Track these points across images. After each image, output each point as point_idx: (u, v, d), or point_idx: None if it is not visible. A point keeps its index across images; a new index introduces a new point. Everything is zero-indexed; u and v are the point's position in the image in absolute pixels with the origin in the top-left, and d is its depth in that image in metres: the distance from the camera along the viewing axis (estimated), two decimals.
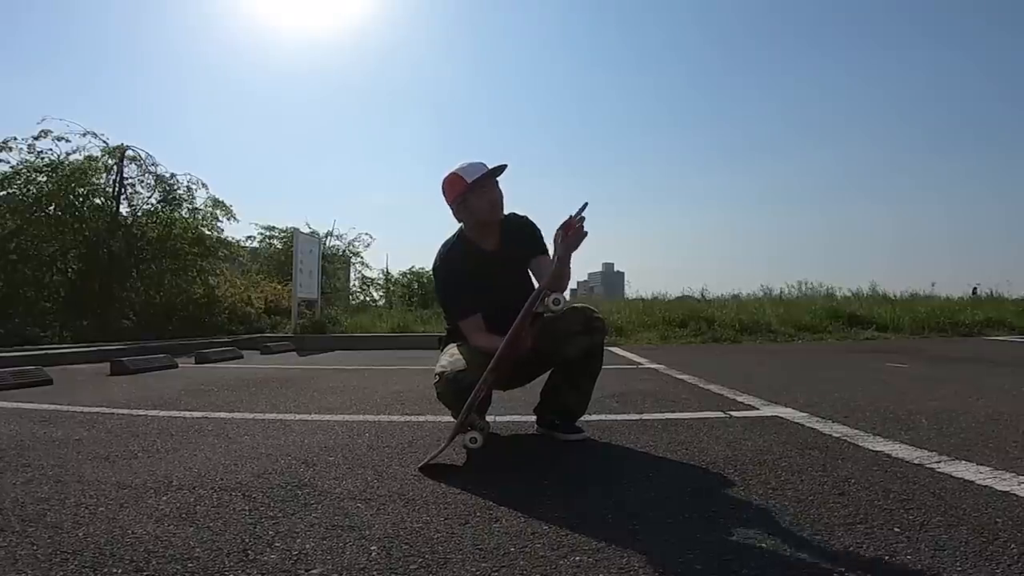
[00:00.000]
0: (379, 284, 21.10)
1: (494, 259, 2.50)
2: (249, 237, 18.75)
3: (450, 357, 2.38)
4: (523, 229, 2.58)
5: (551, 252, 2.34)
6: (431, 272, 2.59)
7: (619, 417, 3.05)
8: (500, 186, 2.50)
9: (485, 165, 2.44)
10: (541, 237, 2.57)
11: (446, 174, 2.48)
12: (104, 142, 11.36)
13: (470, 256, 2.49)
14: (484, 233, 2.53)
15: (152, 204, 11.96)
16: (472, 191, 2.43)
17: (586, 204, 2.19)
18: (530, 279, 2.63)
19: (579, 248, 2.24)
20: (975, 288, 14.40)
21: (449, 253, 2.52)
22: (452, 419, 2.61)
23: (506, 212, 2.55)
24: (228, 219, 12.62)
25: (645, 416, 3.07)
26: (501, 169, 2.46)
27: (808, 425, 2.76)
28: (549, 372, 2.56)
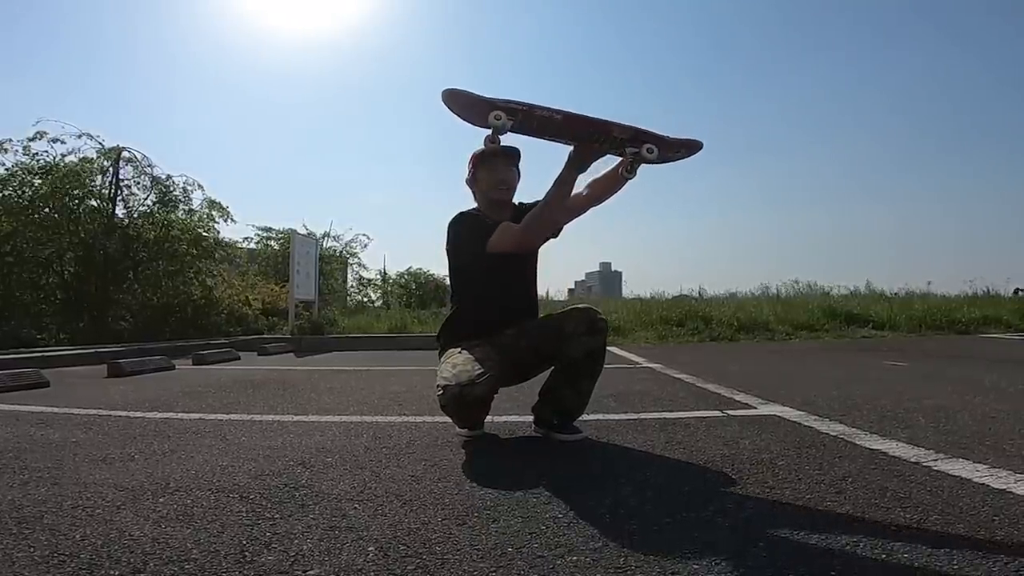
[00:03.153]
0: (377, 285, 21.08)
1: None
2: (246, 238, 18.72)
3: (452, 367, 2.34)
4: (531, 207, 2.58)
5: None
6: (449, 225, 2.56)
7: (617, 417, 3.05)
8: (516, 170, 2.58)
9: (510, 148, 2.51)
10: None
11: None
12: (100, 144, 11.34)
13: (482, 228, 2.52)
14: (495, 213, 2.55)
15: (148, 206, 11.93)
16: (483, 164, 2.51)
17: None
18: (534, 272, 2.69)
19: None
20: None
21: (466, 213, 2.59)
22: (450, 422, 2.62)
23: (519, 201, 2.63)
24: (225, 220, 12.62)
25: (643, 415, 3.07)
26: (514, 152, 2.53)
27: (805, 424, 2.76)
28: (549, 372, 2.56)
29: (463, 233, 2.54)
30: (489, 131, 2.13)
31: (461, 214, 2.59)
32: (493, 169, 2.52)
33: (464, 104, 2.12)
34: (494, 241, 2.43)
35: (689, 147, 2.37)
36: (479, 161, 2.53)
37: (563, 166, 2.31)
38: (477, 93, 2.12)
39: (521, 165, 2.62)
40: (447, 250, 2.61)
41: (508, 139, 2.45)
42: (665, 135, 2.28)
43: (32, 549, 1.41)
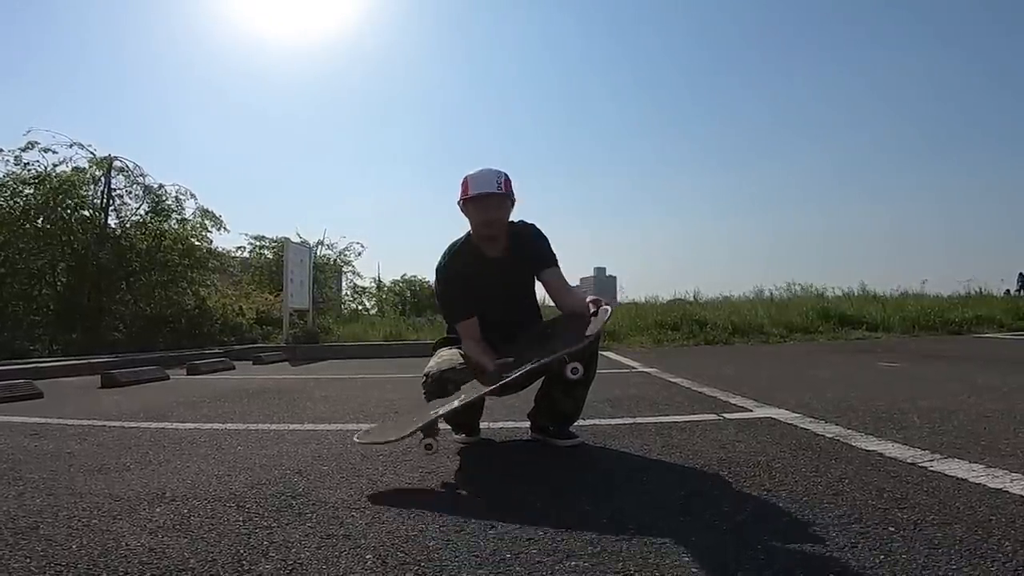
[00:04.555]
0: (371, 293, 21.05)
1: (498, 266, 2.52)
2: (239, 247, 18.68)
3: (438, 358, 2.43)
4: (531, 241, 2.58)
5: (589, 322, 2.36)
6: (435, 271, 2.58)
7: (613, 421, 3.05)
8: (508, 205, 2.51)
9: (499, 178, 2.45)
10: (549, 247, 2.58)
11: (467, 173, 2.50)
12: (91, 153, 11.33)
13: (474, 261, 2.52)
14: (487, 244, 2.54)
15: (141, 215, 11.93)
16: (471, 204, 2.46)
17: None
18: (531, 289, 2.67)
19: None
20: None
21: (454, 255, 2.55)
22: (446, 425, 2.61)
23: (514, 219, 2.59)
24: (218, 229, 12.60)
25: (639, 420, 3.07)
26: (506, 194, 2.47)
27: (801, 426, 2.77)
28: (543, 378, 2.55)
29: (444, 298, 2.61)
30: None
31: (449, 260, 2.55)
32: (482, 209, 2.46)
33: (391, 442, 2.19)
34: (459, 328, 2.50)
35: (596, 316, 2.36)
36: (468, 199, 2.47)
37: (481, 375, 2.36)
38: (389, 434, 2.21)
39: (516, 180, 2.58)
40: (435, 290, 2.68)
41: (499, 164, 2.47)
42: (578, 342, 2.27)
43: (28, 560, 1.41)
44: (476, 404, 2.42)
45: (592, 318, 2.35)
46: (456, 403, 2.20)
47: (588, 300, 2.44)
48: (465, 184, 2.47)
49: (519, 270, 2.57)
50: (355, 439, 2.18)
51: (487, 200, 2.44)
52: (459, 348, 2.48)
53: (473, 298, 2.47)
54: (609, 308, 2.38)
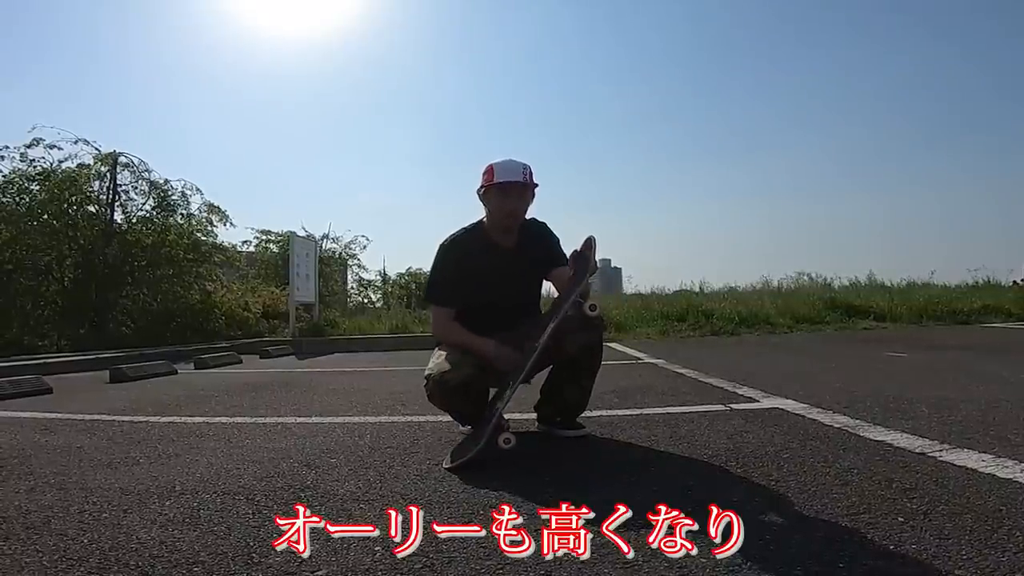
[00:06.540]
0: (377, 286, 21.07)
1: (506, 257, 2.51)
2: (245, 242, 18.72)
3: (436, 359, 2.40)
4: (542, 239, 2.59)
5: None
6: (438, 246, 2.56)
7: (620, 412, 3.05)
8: (530, 195, 2.49)
9: (525, 169, 2.45)
10: (559, 247, 2.59)
11: (491, 162, 2.49)
12: (96, 149, 11.36)
13: (481, 247, 2.51)
14: (500, 234, 2.53)
15: (146, 211, 11.96)
16: (494, 190, 2.45)
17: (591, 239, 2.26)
18: (535, 285, 2.67)
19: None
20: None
21: (461, 238, 2.54)
22: (452, 420, 2.62)
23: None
24: (224, 224, 12.63)
25: (646, 411, 3.07)
26: (529, 186, 2.46)
27: (809, 416, 2.76)
28: (549, 369, 2.55)
29: (433, 274, 2.57)
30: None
31: (453, 241, 2.54)
32: (507, 198, 2.45)
33: (475, 455, 2.10)
34: (432, 311, 2.54)
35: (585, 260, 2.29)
36: (492, 187, 2.45)
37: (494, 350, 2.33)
38: (469, 452, 2.12)
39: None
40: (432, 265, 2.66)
41: (522, 155, 2.42)
42: (575, 293, 2.25)
43: (40, 554, 1.42)
44: (485, 393, 2.41)
45: (578, 259, 2.29)
46: (508, 394, 2.18)
47: (570, 255, 2.37)
48: (490, 171, 2.46)
49: (525, 264, 2.56)
50: (443, 467, 2.11)
51: (512, 188, 2.43)
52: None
53: (459, 289, 2.47)
54: (594, 236, 2.29)
